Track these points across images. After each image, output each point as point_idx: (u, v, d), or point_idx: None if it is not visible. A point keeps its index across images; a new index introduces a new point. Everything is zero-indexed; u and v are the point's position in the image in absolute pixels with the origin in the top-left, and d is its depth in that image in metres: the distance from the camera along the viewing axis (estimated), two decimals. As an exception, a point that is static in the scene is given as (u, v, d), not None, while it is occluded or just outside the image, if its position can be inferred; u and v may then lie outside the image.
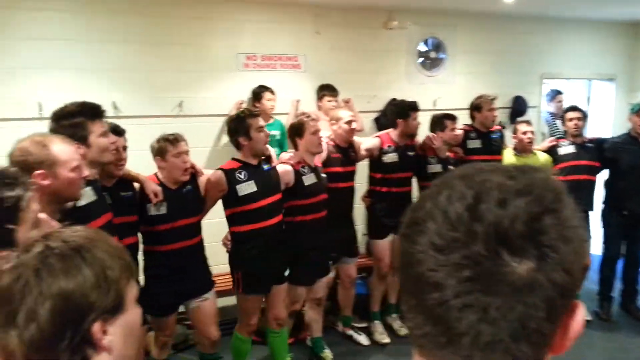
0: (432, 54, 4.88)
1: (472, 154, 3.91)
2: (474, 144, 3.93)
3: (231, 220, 2.95)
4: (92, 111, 2.11)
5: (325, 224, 3.24)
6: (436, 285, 0.47)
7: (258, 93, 4.11)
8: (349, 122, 3.51)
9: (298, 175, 3.11)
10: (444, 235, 0.47)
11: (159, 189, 2.66)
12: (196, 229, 2.84)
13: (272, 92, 4.13)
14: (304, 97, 4.41)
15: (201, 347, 3.03)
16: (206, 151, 4.13)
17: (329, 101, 4.30)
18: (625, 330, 4.10)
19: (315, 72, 4.45)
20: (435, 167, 3.80)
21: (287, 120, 4.20)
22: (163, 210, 2.68)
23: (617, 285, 4.34)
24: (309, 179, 3.13)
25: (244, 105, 4.11)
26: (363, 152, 3.73)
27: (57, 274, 0.75)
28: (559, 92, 5.28)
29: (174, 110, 4.00)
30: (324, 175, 3.29)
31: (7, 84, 3.50)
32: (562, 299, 0.48)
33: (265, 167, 2.99)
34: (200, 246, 2.87)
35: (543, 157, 4.03)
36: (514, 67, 5.22)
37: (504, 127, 4.35)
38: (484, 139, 3.94)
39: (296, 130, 3.16)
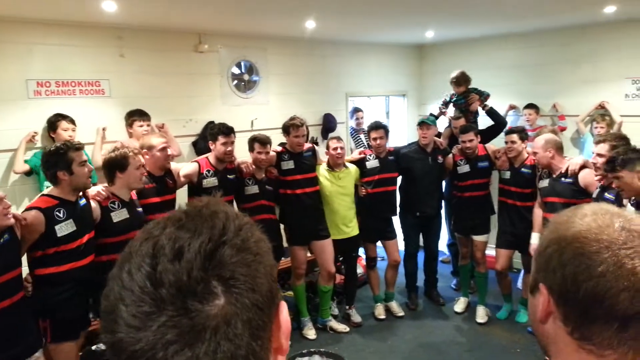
0: (246, 77, 4.99)
1: (286, 174, 4.08)
2: (287, 164, 4.08)
3: (39, 262, 2.66)
4: None
5: None
6: None
7: (53, 122, 3.71)
8: (163, 149, 3.41)
9: (106, 211, 2.92)
10: (136, 314, 0.47)
11: None
12: (18, 284, 2.49)
13: (70, 120, 3.76)
14: (112, 123, 4.12)
15: None
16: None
17: (140, 126, 4.10)
18: (430, 315, 4.72)
19: (121, 97, 4.19)
20: (253, 189, 3.90)
21: (93, 151, 3.87)
22: None
23: (421, 276, 4.95)
24: (118, 215, 2.96)
25: (38, 137, 3.69)
26: (182, 179, 3.65)
27: None
28: (358, 110, 5.86)
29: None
30: (139, 209, 3.12)
31: None
32: (261, 312, 0.50)
33: (82, 202, 2.80)
34: (22, 302, 2.51)
35: (353, 169, 4.37)
36: (322, 87, 5.64)
37: (316, 144, 4.63)
38: (296, 159, 4.11)
39: (118, 164, 2.96)
